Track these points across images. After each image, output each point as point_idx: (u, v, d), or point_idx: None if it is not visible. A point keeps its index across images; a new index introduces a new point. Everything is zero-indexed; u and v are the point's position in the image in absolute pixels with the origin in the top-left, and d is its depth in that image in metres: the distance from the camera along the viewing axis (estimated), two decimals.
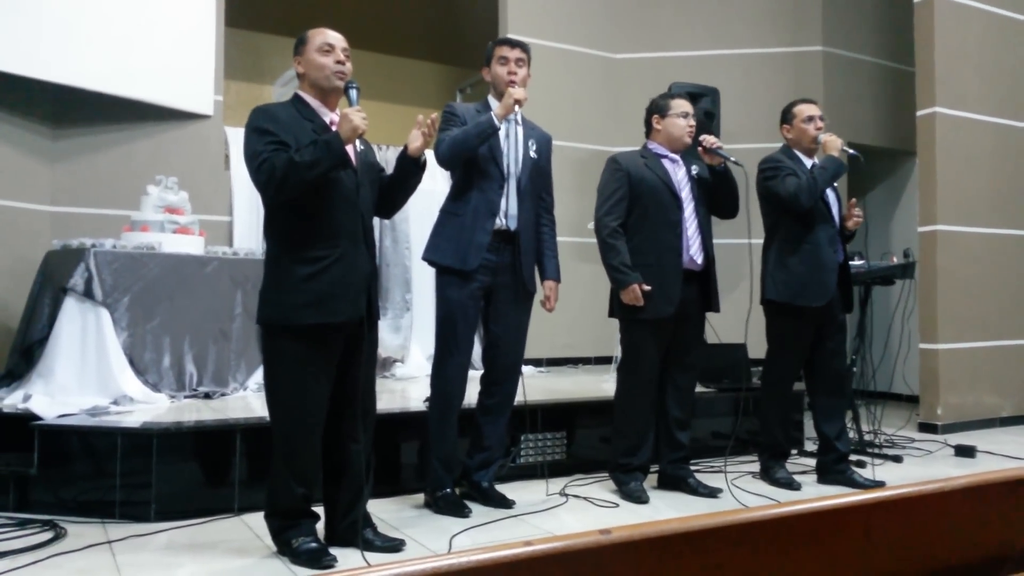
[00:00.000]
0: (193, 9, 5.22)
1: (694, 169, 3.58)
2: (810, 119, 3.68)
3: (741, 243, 5.97)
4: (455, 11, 7.79)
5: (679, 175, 3.54)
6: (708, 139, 3.46)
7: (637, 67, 6.63)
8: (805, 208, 3.54)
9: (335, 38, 2.65)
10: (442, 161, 3.17)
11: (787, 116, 3.77)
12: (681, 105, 3.54)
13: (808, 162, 3.70)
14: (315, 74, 2.62)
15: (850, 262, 3.89)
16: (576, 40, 6.60)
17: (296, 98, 2.66)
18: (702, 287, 3.55)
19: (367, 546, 2.63)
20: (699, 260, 3.50)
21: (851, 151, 3.64)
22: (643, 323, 3.43)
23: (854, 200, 3.78)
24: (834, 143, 3.59)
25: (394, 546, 2.70)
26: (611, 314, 3.57)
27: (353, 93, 2.59)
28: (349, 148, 2.56)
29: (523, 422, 3.72)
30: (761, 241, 3.82)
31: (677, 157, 3.57)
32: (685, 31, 6.69)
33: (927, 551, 1.24)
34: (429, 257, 3.26)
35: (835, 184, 3.72)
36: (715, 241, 3.62)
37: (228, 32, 5.48)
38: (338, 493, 2.69)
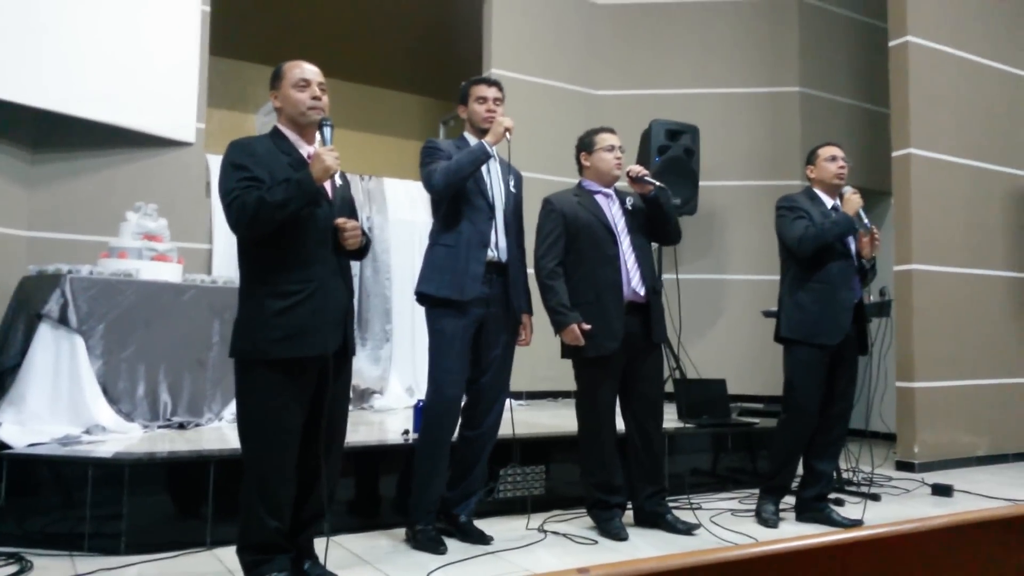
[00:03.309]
0: (177, 37, 5.24)
1: (629, 201, 3.58)
2: (833, 158, 3.73)
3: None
4: (439, 44, 7.87)
5: (613, 209, 3.54)
6: (633, 169, 3.50)
7: (618, 104, 6.72)
8: (808, 255, 3.57)
9: (311, 72, 2.63)
10: (437, 190, 3.16)
11: (811, 158, 3.82)
12: (606, 139, 3.56)
13: (829, 202, 3.71)
14: (291, 110, 2.62)
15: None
16: (558, 76, 6.68)
17: (275, 131, 2.66)
18: (646, 319, 3.51)
19: None
20: (641, 292, 3.48)
21: (865, 219, 3.60)
22: (590, 361, 3.41)
23: (875, 227, 3.66)
24: (853, 203, 3.58)
25: None
26: (563, 355, 3.54)
27: (327, 131, 2.58)
28: (326, 182, 2.56)
29: (503, 456, 3.70)
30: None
31: (610, 191, 3.58)
32: (666, 69, 6.80)
33: None
34: (423, 290, 3.21)
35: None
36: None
37: (212, 60, 5.50)
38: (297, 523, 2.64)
